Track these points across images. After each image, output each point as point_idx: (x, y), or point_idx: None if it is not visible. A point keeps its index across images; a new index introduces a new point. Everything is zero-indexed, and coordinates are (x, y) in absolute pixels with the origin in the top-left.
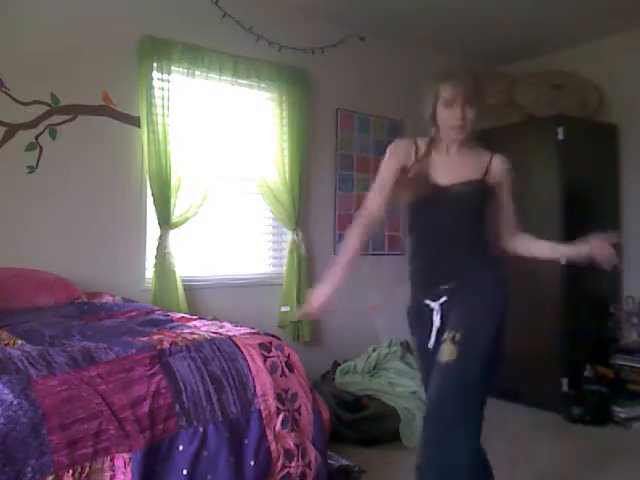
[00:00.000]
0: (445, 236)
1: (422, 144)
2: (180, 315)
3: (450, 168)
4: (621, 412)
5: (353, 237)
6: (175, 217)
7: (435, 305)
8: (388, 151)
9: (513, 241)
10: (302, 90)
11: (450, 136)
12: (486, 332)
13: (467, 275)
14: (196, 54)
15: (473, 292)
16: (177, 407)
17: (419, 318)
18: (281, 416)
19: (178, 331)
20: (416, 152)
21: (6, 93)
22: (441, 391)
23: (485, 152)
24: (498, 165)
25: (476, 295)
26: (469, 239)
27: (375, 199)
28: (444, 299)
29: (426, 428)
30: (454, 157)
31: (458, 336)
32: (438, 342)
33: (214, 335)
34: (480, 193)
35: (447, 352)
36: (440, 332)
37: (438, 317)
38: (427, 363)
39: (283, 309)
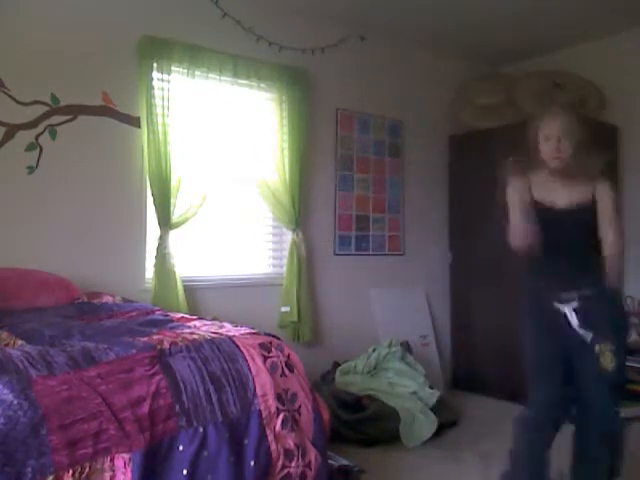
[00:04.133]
0: (566, 249)
1: (531, 175)
2: (180, 315)
3: (557, 191)
4: (621, 412)
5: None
6: (175, 217)
7: (566, 308)
8: (510, 187)
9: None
10: (302, 90)
11: (550, 165)
12: (623, 347)
13: (589, 287)
14: (196, 54)
15: (603, 305)
16: (177, 407)
17: (544, 318)
18: (281, 416)
19: (178, 331)
20: (529, 184)
21: (6, 93)
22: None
23: (590, 179)
24: (600, 189)
25: (607, 309)
26: (585, 252)
27: (523, 225)
28: (575, 305)
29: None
30: (560, 181)
31: (613, 349)
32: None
33: (214, 335)
34: (589, 211)
35: (608, 362)
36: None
37: (575, 318)
38: (550, 354)
39: (283, 309)
